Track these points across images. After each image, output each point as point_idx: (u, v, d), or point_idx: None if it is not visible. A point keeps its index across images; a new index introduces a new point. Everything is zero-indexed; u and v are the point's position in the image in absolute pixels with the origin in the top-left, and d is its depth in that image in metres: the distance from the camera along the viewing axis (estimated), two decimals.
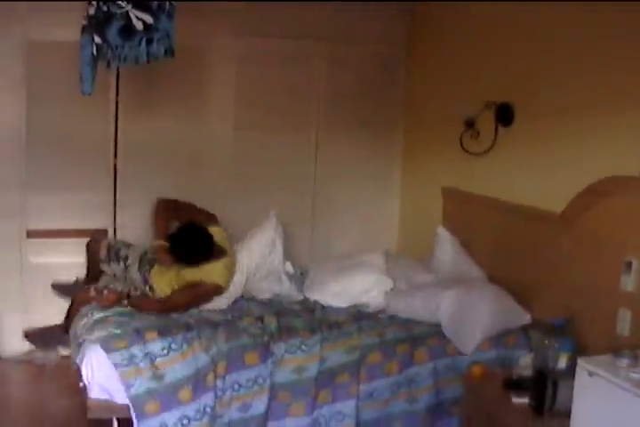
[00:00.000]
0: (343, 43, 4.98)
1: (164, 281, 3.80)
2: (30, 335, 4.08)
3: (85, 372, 3.18)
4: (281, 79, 4.94)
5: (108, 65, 3.54)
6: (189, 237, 3.72)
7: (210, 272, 3.72)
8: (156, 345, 3.22)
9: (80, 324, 3.46)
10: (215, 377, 3.23)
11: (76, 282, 4.16)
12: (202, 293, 3.72)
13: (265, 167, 4.97)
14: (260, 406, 3.28)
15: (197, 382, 3.19)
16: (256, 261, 4.03)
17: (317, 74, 5.01)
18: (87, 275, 4.17)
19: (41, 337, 4.07)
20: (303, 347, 3.36)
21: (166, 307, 3.65)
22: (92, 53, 3.40)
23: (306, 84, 5.01)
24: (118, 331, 3.28)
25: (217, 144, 4.89)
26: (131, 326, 3.32)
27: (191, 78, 4.77)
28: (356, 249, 4.48)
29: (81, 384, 3.25)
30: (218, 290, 3.74)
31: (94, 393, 3.18)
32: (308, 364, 3.34)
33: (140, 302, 3.69)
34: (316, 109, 5.05)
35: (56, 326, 4.01)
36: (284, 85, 4.95)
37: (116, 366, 3.13)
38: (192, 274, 3.72)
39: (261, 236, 4.16)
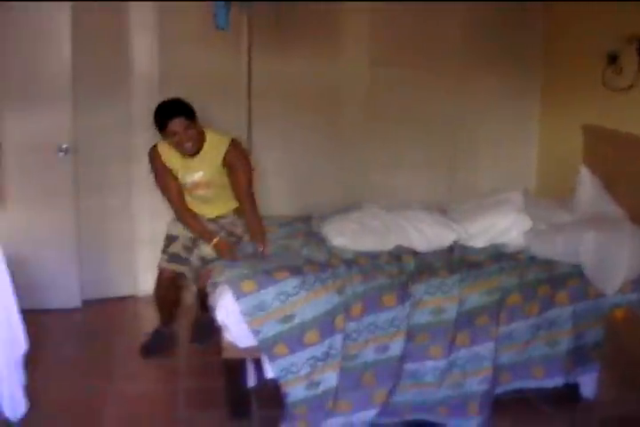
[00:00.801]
0: None
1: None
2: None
3: (219, 314, 3.09)
4: (415, 15, 4.69)
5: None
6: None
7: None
8: (287, 284, 3.07)
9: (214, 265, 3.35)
10: (346, 319, 3.10)
11: None
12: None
13: (402, 107, 4.78)
14: (396, 347, 3.15)
15: (325, 324, 3.07)
16: None
17: (453, 9, 4.74)
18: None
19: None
20: (442, 288, 3.19)
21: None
22: None
23: (442, 20, 4.75)
24: (247, 271, 3.14)
25: (352, 83, 4.74)
26: (260, 267, 3.18)
27: (323, 15, 4.59)
28: (496, 188, 4.27)
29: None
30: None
31: (229, 334, 3.10)
32: (446, 305, 3.18)
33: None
34: (452, 47, 4.80)
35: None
36: (418, 20, 4.71)
37: (243, 313, 3.02)
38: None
39: None
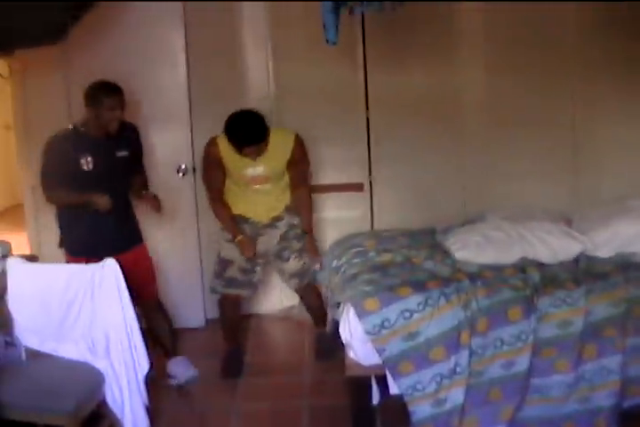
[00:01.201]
0: None
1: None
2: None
3: (342, 332, 3.07)
4: (528, 20, 4.60)
5: (351, 12, 3.27)
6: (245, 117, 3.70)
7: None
8: (411, 301, 3.01)
9: (333, 281, 3.30)
10: (471, 335, 3.03)
11: None
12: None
13: (520, 113, 4.70)
14: (523, 362, 3.08)
15: (451, 340, 3.01)
16: None
17: (571, 12, 4.66)
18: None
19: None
20: (568, 300, 3.10)
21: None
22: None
23: (555, 23, 4.65)
24: (369, 288, 3.09)
25: (469, 90, 4.70)
26: (382, 283, 3.12)
27: (437, 25, 4.57)
28: (622, 195, 4.15)
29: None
30: None
31: (352, 352, 3.07)
32: (573, 318, 3.09)
33: None
34: (566, 51, 4.71)
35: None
36: (531, 26, 4.62)
37: (368, 333, 2.98)
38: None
39: None
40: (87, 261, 3.29)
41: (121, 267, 3.09)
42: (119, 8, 4.11)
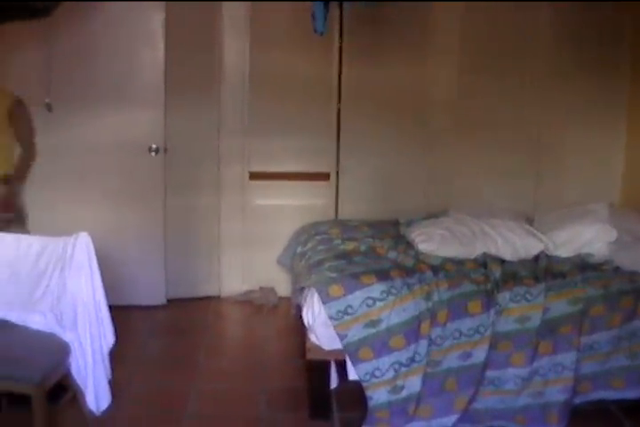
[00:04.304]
0: None
1: None
2: None
3: (306, 316, 3.13)
4: (505, 23, 4.72)
5: (340, 4, 3.33)
6: None
7: None
8: (374, 289, 3.09)
9: (297, 267, 3.36)
10: (432, 325, 3.11)
11: None
12: None
13: (489, 113, 4.80)
14: (480, 355, 3.16)
15: (412, 329, 3.08)
16: None
17: (540, 18, 4.75)
18: None
19: None
20: (527, 296, 3.19)
21: None
22: None
23: (529, 28, 4.75)
24: (334, 275, 3.15)
25: (441, 88, 4.79)
26: (347, 271, 3.19)
27: (414, 22, 4.64)
28: (580, 199, 4.26)
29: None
30: None
31: (314, 336, 3.13)
32: (531, 313, 3.18)
33: None
34: (538, 55, 4.80)
35: None
36: (506, 29, 4.73)
37: (331, 318, 3.04)
38: None
39: None
40: None
41: None
42: None
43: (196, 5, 4.35)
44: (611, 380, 3.29)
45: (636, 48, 4.78)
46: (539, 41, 4.79)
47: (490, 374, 3.19)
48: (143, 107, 4.31)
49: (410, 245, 3.63)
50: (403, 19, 4.57)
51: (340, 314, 3.04)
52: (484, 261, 3.40)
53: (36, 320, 3.18)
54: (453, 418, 3.15)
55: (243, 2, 4.40)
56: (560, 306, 3.21)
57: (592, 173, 4.97)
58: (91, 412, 3.10)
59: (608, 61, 4.83)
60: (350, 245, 3.56)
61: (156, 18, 4.25)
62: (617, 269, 3.43)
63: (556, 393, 3.21)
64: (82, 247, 3.12)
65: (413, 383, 3.10)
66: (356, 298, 3.05)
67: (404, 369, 3.09)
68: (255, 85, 4.53)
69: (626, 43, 4.82)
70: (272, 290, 4.70)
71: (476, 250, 3.49)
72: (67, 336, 3.14)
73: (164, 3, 4.18)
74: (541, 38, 4.79)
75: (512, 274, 3.30)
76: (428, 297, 3.11)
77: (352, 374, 3.13)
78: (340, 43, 4.49)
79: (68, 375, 3.13)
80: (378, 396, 3.08)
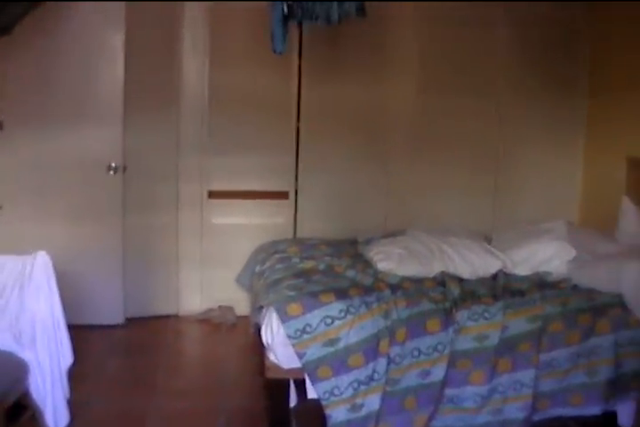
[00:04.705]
0: (524, 4, 4.74)
1: None
2: None
3: (264, 335, 3.12)
4: (463, 43, 4.79)
5: (299, 24, 3.37)
6: None
7: None
8: (333, 307, 3.09)
9: (256, 285, 3.36)
10: (390, 343, 3.11)
11: None
12: None
13: (447, 132, 4.85)
14: (438, 373, 3.17)
15: (370, 348, 3.09)
16: None
17: (498, 35, 4.82)
18: None
19: None
20: (486, 314, 3.21)
21: None
22: (284, 12, 3.24)
23: (488, 45, 4.82)
24: (293, 293, 3.16)
25: (399, 108, 4.82)
26: (306, 289, 3.19)
27: (373, 41, 4.69)
28: (538, 217, 4.30)
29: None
30: None
31: (273, 355, 3.12)
32: (489, 332, 3.19)
33: None
34: (497, 73, 4.87)
35: None
36: (465, 50, 4.79)
37: (290, 337, 3.04)
38: None
39: None
40: None
41: None
42: (64, 4, 4.13)
43: (156, 23, 4.37)
44: (569, 397, 3.31)
45: (594, 65, 4.85)
46: (497, 59, 4.86)
47: (449, 392, 3.20)
48: (102, 125, 4.30)
49: (368, 263, 3.65)
50: (361, 38, 4.61)
51: (299, 333, 3.04)
52: (442, 280, 3.42)
53: None
54: None
55: (202, 21, 4.42)
56: (518, 324, 3.23)
57: (550, 191, 5.02)
58: None
59: (567, 79, 4.91)
60: (309, 264, 3.57)
61: (115, 36, 4.25)
62: (575, 287, 3.47)
63: (515, 410, 3.23)
64: (40, 266, 3.12)
65: (372, 402, 3.10)
66: (315, 317, 3.06)
67: (363, 387, 3.09)
68: (214, 104, 4.54)
69: (584, 60, 4.90)
70: (231, 309, 4.70)
71: (434, 269, 3.51)
72: (25, 355, 3.13)
73: (123, 21, 4.19)
74: (500, 56, 4.86)
75: (470, 292, 3.33)
76: (386, 315, 3.12)
77: (311, 393, 3.12)
78: (300, 62, 4.52)
79: (26, 394, 3.12)
80: (337, 414, 3.08)
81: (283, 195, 4.69)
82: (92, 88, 4.31)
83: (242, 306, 4.63)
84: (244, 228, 4.62)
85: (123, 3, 4.22)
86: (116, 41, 4.24)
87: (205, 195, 4.68)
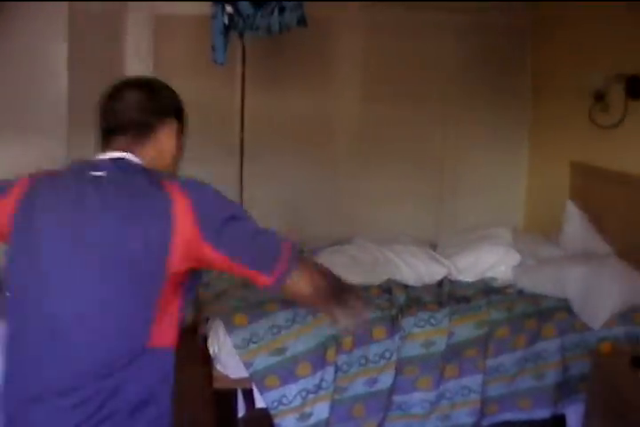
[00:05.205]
0: (469, 14, 4.75)
1: None
2: None
3: (211, 346, 3.13)
4: (407, 52, 4.78)
5: (241, 35, 3.40)
6: None
7: None
8: (279, 317, 3.11)
9: (203, 294, 3.37)
10: (337, 352, 3.13)
11: None
12: None
13: (392, 141, 4.86)
14: (386, 380, 3.19)
15: (317, 356, 3.10)
16: None
17: (444, 46, 4.85)
18: None
19: None
20: (432, 321, 3.24)
21: None
22: (224, 23, 3.28)
23: (433, 56, 4.85)
24: (238, 304, 3.18)
25: (344, 117, 4.83)
26: (251, 299, 3.21)
27: (317, 51, 4.70)
28: (483, 223, 4.32)
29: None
30: None
31: (220, 365, 3.13)
32: (436, 338, 3.22)
33: None
34: (441, 83, 4.89)
35: None
36: (409, 58, 4.79)
37: (236, 347, 3.06)
38: None
39: None
40: None
41: None
42: (3, 14, 4.12)
43: (99, 34, 4.34)
44: (518, 401, 3.33)
45: (537, 76, 4.90)
46: (442, 69, 4.88)
47: (397, 398, 3.22)
48: (45, 140, 4.24)
49: None
50: (305, 47, 4.60)
51: (245, 343, 3.06)
52: (388, 287, 3.44)
53: None
54: None
55: (147, 30, 4.41)
56: (465, 330, 3.26)
57: (495, 197, 5.04)
58: None
59: (510, 86, 4.95)
60: None
61: (58, 48, 4.21)
62: (520, 293, 3.51)
63: (464, 416, 3.26)
64: None
65: (321, 410, 3.12)
66: (261, 326, 3.07)
67: (311, 396, 3.11)
68: None
69: (527, 71, 4.94)
70: None
71: (380, 276, 3.53)
72: None
73: (66, 33, 4.16)
74: (444, 66, 4.88)
75: (416, 299, 3.35)
76: (332, 324, 3.13)
77: (260, 402, 3.13)
78: (243, 72, 4.51)
79: None
80: (286, 423, 3.09)
81: None
82: (35, 102, 4.24)
83: (188, 317, 4.58)
84: None
85: (65, 11, 4.20)
86: (59, 53, 4.18)
87: None
